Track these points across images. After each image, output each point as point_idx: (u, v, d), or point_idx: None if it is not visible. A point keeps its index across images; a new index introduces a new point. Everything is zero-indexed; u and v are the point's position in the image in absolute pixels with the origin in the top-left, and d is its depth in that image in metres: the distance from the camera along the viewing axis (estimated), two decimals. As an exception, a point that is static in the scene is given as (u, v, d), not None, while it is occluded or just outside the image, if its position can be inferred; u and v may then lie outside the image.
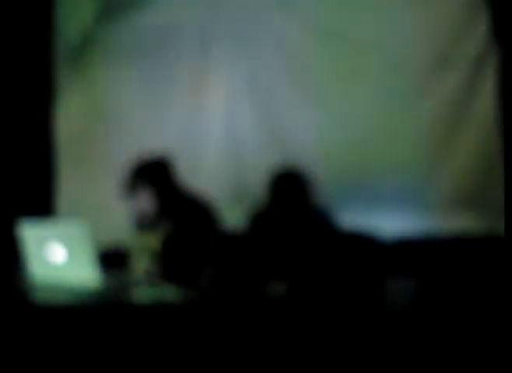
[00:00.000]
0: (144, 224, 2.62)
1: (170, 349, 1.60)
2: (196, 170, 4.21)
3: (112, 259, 2.69)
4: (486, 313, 2.71)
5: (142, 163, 2.62)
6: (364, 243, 2.04)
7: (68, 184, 4.83)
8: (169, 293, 1.83)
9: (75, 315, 1.74)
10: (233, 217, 3.99)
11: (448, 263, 3.19)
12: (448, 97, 3.59)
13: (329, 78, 3.86)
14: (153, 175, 2.57)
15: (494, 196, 3.45)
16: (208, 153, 4.26)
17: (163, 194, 2.56)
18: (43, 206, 4.67)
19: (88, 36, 4.65)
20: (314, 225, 2.75)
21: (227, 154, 4.20)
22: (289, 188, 2.83)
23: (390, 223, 3.52)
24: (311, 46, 3.91)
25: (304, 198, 2.84)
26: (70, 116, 4.81)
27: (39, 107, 4.67)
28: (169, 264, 2.16)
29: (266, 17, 4.06)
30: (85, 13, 4.63)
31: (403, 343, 1.46)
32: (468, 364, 2.37)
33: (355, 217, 3.34)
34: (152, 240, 2.38)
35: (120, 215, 4.06)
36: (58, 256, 2.19)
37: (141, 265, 2.42)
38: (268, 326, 1.52)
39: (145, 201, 2.56)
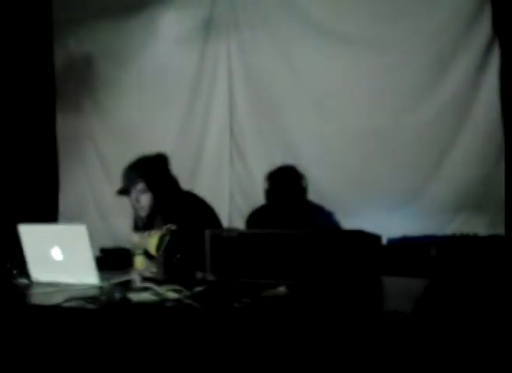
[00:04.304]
0: (143, 224, 2.61)
1: (168, 350, 1.60)
2: (196, 173, 4.22)
3: (111, 259, 2.69)
4: (489, 313, 2.71)
5: (138, 159, 2.62)
6: (364, 241, 2.03)
7: (68, 186, 4.84)
8: (167, 293, 1.82)
9: (73, 316, 1.74)
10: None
11: (449, 263, 3.19)
12: (449, 99, 3.58)
13: (329, 77, 3.85)
14: (150, 170, 2.56)
15: (495, 196, 3.44)
16: (208, 156, 4.26)
17: (159, 190, 2.55)
18: (48, 207, 4.69)
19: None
20: (311, 221, 2.74)
21: (228, 157, 4.21)
22: (285, 182, 2.83)
23: (391, 223, 3.52)
24: (311, 45, 3.90)
25: (300, 193, 2.83)
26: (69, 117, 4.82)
27: (45, 111, 4.71)
28: (169, 264, 2.15)
29: (267, 16, 4.06)
30: None
31: (407, 345, 1.46)
32: (470, 364, 2.37)
33: (357, 218, 3.35)
34: (151, 240, 2.37)
35: (120, 216, 4.09)
36: (58, 257, 2.19)
37: (140, 265, 2.42)
38: (268, 327, 1.51)
39: (143, 197, 2.55)
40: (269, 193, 2.87)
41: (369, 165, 3.73)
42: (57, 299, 1.80)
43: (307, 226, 2.67)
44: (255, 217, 2.91)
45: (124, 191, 2.59)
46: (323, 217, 2.86)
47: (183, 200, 2.58)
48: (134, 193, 2.56)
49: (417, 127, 3.65)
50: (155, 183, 2.55)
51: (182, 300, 1.75)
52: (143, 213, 2.58)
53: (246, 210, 3.62)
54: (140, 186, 2.54)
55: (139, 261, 2.44)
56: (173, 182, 2.65)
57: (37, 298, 2.03)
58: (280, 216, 2.74)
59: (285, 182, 2.84)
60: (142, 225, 2.62)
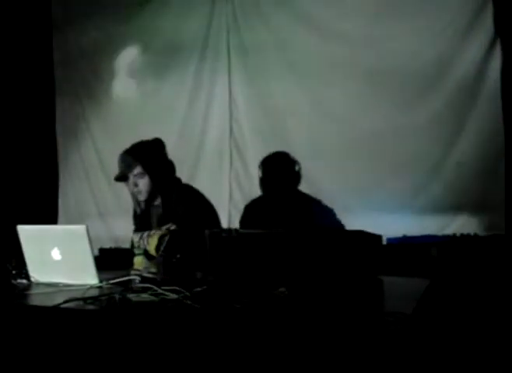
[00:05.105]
0: (141, 211, 2.61)
1: (168, 350, 1.59)
2: (195, 172, 4.22)
3: (111, 259, 2.69)
4: (490, 313, 2.70)
5: (134, 144, 2.63)
6: (365, 241, 2.03)
7: (68, 186, 4.84)
8: (167, 293, 1.82)
9: (73, 316, 1.73)
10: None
11: (450, 263, 3.18)
12: (449, 99, 3.57)
13: (329, 77, 3.85)
14: (146, 154, 2.56)
15: (495, 196, 3.44)
16: (208, 156, 4.26)
17: (157, 173, 2.55)
18: (48, 208, 4.70)
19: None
20: (308, 212, 2.71)
21: (228, 156, 4.21)
22: (278, 168, 2.79)
23: (391, 223, 3.52)
24: (311, 45, 3.90)
25: (293, 178, 2.79)
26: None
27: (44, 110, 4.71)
28: (169, 264, 2.15)
29: (267, 17, 4.05)
30: None
31: (408, 346, 1.45)
32: (470, 364, 2.36)
33: (357, 218, 3.34)
34: (151, 240, 2.37)
35: (119, 216, 4.09)
36: (57, 258, 2.19)
37: (139, 265, 2.42)
38: (268, 327, 1.51)
39: (140, 181, 2.55)
40: (263, 180, 2.84)
41: (369, 165, 3.73)
42: (56, 300, 1.79)
43: (304, 218, 2.65)
44: (252, 208, 2.88)
45: (122, 177, 2.60)
46: (320, 211, 2.83)
47: (182, 191, 2.59)
48: (131, 178, 2.57)
49: (417, 126, 3.64)
50: (152, 167, 2.55)
51: (182, 300, 1.75)
52: (141, 197, 2.60)
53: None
54: (137, 170, 2.55)
55: (139, 261, 2.44)
56: (170, 166, 2.66)
57: (37, 298, 2.03)
58: (276, 207, 2.71)
59: (278, 167, 2.80)
60: (140, 211, 2.63)
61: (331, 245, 1.96)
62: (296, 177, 2.82)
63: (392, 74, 3.67)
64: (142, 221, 2.71)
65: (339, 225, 2.97)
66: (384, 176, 3.70)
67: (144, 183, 2.57)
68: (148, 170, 2.55)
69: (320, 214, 2.81)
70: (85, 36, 4.63)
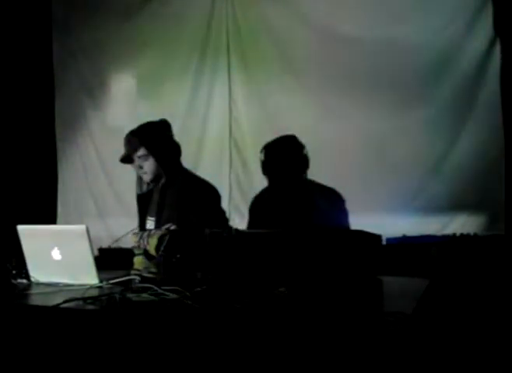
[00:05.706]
0: (142, 192, 2.62)
1: (168, 350, 1.59)
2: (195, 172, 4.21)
3: (111, 259, 2.69)
4: (489, 313, 2.70)
5: (140, 125, 2.62)
6: (365, 241, 2.03)
7: (67, 186, 4.84)
8: (167, 293, 1.82)
9: (73, 316, 1.73)
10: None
11: (450, 263, 3.18)
12: (449, 99, 3.58)
13: (329, 77, 3.85)
14: (151, 135, 2.56)
15: (495, 196, 3.44)
16: (207, 156, 4.26)
17: (161, 154, 2.55)
18: (47, 207, 4.69)
19: None
20: (312, 203, 2.66)
21: (228, 156, 4.21)
22: (283, 150, 2.70)
23: (391, 223, 3.52)
24: (311, 45, 3.90)
25: (301, 162, 2.71)
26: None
27: (44, 109, 4.71)
28: (169, 264, 2.15)
29: (266, 17, 4.06)
30: None
31: (408, 346, 1.45)
32: (470, 364, 2.36)
33: (356, 218, 3.34)
34: (151, 240, 2.37)
35: (119, 216, 4.09)
36: (57, 258, 2.18)
37: (139, 265, 2.42)
38: (268, 327, 1.51)
39: (145, 163, 2.55)
40: (266, 164, 2.75)
41: (369, 164, 3.73)
42: (56, 300, 1.79)
43: (311, 212, 2.62)
44: (256, 207, 2.85)
45: (127, 159, 2.60)
46: (329, 203, 2.75)
47: (189, 183, 2.59)
48: (136, 160, 2.57)
49: (417, 126, 3.65)
50: (156, 148, 2.54)
51: (182, 300, 1.75)
52: (147, 178, 2.60)
53: (245, 209, 3.61)
54: (141, 151, 2.54)
55: (139, 261, 2.43)
56: (175, 148, 2.65)
57: (37, 298, 2.03)
58: (282, 202, 2.67)
59: (284, 150, 2.70)
60: (141, 192, 2.64)
61: (330, 245, 1.96)
62: (304, 162, 2.71)
63: (392, 74, 3.68)
64: (142, 202, 2.70)
65: (346, 217, 2.87)
66: (383, 176, 3.70)
67: (149, 165, 2.56)
68: (152, 152, 2.54)
69: (329, 207, 2.73)
70: (86, 36, 4.63)
